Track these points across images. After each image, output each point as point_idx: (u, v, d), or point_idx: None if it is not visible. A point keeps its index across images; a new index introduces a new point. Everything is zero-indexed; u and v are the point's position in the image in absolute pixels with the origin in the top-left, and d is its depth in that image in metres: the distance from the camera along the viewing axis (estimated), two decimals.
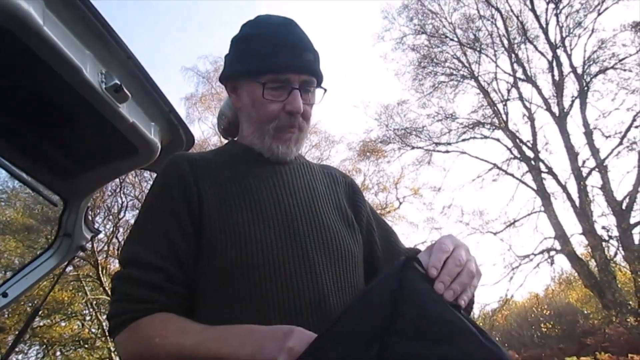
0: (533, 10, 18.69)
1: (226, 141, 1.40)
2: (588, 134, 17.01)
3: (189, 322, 1.04)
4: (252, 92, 1.22)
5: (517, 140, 18.93)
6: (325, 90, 1.30)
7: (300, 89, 1.20)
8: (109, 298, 18.13)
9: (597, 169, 16.63)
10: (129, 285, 1.09)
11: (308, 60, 1.21)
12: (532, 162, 18.34)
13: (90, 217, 2.04)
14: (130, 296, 1.08)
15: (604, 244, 16.29)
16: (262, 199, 1.17)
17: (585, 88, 17.47)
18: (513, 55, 19.30)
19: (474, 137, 20.29)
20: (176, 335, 1.00)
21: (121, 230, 19.45)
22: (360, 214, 1.34)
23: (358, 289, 1.19)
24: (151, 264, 1.10)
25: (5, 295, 1.87)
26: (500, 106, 19.50)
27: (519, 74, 19.36)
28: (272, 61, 1.18)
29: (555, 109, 17.95)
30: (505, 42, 19.44)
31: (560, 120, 17.68)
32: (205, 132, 21.58)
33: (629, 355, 12.63)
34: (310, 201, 1.23)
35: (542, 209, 17.95)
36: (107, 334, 18.42)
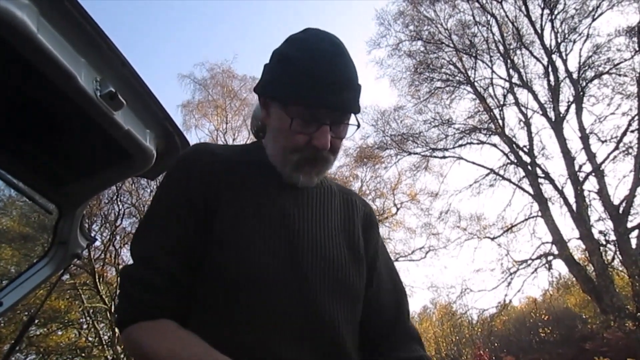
0: (528, 16, 18.78)
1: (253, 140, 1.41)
2: (584, 138, 17.06)
3: (183, 338, 1.05)
4: (280, 119, 1.17)
5: (514, 145, 18.97)
6: (359, 125, 1.23)
7: (331, 124, 1.15)
8: (105, 306, 18.09)
9: (593, 174, 16.67)
10: (132, 285, 1.10)
11: (346, 99, 1.13)
12: (529, 167, 18.38)
13: (86, 225, 2.03)
14: (132, 297, 1.09)
15: (601, 248, 16.29)
16: (272, 222, 1.15)
17: (581, 93, 17.54)
18: (509, 61, 19.38)
19: (471, 143, 20.34)
20: (168, 351, 1.01)
21: (118, 238, 19.40)
22: (367, 246, 1.32)
23: (355, 320, 1.20)
24: (158, 264, 1.10)
25: (0, 303, 1.86)
26: (496, 111, 19.57)
27: (515, 79, 19.44)
28: (306, 94, 1.11)
29: (552, 114, 18.01)
30: (501, 47, 19.52)
31: (557, 125, 17.73)
32: (202, 139, 21.58)
33: (627, 359, 12.61)
34: (321, 230, 1.21)
35: (539, 214, 17.98)
36: (103, 342, 18.35)
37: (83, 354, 19.67)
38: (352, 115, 1.19)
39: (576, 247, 17.81)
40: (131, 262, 1.15)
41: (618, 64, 17.21)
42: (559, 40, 18.37)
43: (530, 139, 18.66)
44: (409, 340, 1.28)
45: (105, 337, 18.78)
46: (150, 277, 1.08)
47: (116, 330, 18.11)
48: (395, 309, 1.32)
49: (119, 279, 1.22)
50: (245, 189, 1.18)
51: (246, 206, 1.15)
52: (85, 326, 20.27)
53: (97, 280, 17.46)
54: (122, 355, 18.21)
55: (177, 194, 1.17)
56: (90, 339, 19.80)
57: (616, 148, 16.60)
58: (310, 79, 1.11)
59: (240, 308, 1.07)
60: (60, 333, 19.26)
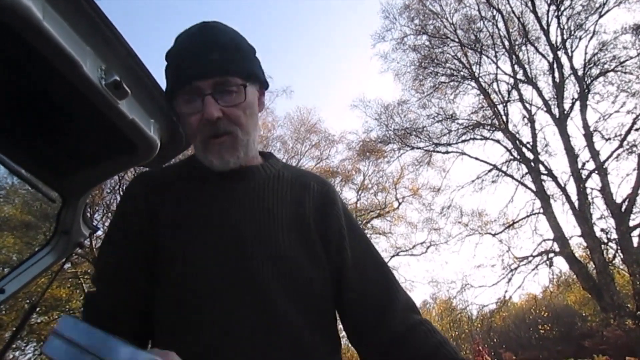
0: (534, 11, 18.71)
1: None
2: (588, 136, 17.03)
3: None
4: (178, 110, 1.19)
5: (517, 141, 18.95)
6: (245, 85, 1.16)
7: (215, 93, 1.11)
8: None
9: (596, 172, 16.65)
10: (86, 306, 1.21)
11: (213, 60, 1.11)
12: (532, 164, 18.36)
13: (88, 214, 2.03)
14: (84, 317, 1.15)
15: (602, 246, 16.31)
16: (210, 221, 1.14)
17: (586, 90, 17.50)
18: (514, 57, 19.33)
19: (474, 138, 20.34)
20: None
21: None
22: (327, 228, 1.21)
23: (316, 312, 1.13)
24: (103, 291, 1.19)
25: (2, 291, 1.86)
26: (500, 107, 19.55)
27: (520, 75, 19.41)
28: (179, 73, 1.14)
29: (556, 111, 17.97)
30: (506, 43, 19.47)
31: (561, 122, 17.69)
32: None
33: (627, 357, 12.64)
34: (264, 221, 1.14)
35: (542, 210, 17.98)
36: None
37: None
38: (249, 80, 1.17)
39: (577, 245, 17.84)
40: None
41: (624, 61, 17.18)
42: (565, 37, 18.32)
43: (534, 136, 18.65)
44: (406, 312, 1.19)
45: None
46: (99, 301, 1.18)
47: None
48: (383, 288, 1.22)
49: None
50: (183, 200, 1.18)
51: (184, 217, 1.16)
52: None
53: None
54: None
55: (114, 227, 1.28)
56: None
57: (620, 146, 16.59)
58: (175, 60, 1.17)
59: (190, 321, 1.07)
60: None
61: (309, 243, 1.17)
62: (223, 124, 1.13)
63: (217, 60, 1.11)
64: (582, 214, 16.54)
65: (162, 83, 1.60)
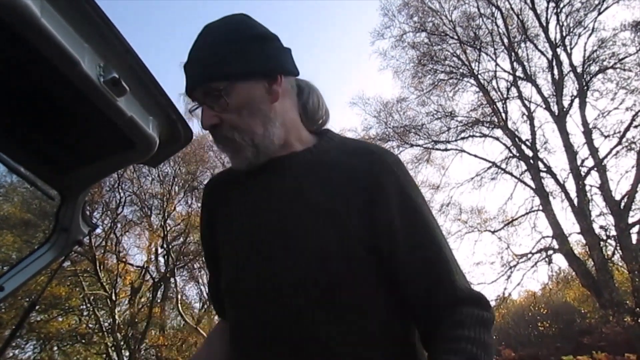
0: (533, 8, 18.70)
1: None
2: (587, 133, 17.03)
3: (202, 345, 1.31)
4: None
5: (516, 139, 18.95)
6: (267, 73, 1.12)
7: (208, 100, 1.10)
8: (106, 294, 18.17)
9: (595, 169, 16.66)
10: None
11: (195, 69, 1.11)
12: (531, 161, 18.36)
13: (87, 212, 2.03)
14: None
15: (601, 243, 16.32)
16: (246, 223, 1.14)
17: (585, 87, 17.49)
18: (513, 54, 19.31)
19: (473, 136, 20.32)
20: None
21: (119, 225, 19.48)
22: (375, 220, 1.06)
23: (354, 312, 1.03)
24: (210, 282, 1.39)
25: (1, 289, 1.86)
26: (499, 105, 19.54)
27: (519, 72, 19.40)
28: (185, 83, 1.16)
29: (555, 108, 17.97)
30: (505, 40, 19.45)
31: (560, 119, 17.69)
32: None
33: (626, 354, 12.65)
34: (292, 217, 1.08)
35: (541, 207, 17.99)
36: (103, 329, 18.45)
37: (83, 341, 19.82)
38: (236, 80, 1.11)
39: (577, 242, 17.86)
40: None
41: (623, 58, 17.17)
42: (564, 34, 18.30)
43: (533, 133, 18.64)
44: (448, 326, 1.01)
45: (106, 324, 18.91)
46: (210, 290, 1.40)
47: (116, 317, 18.23)
48: (425, 287, 1.06)
49: None
50: (232, 202, 1.20)
51: (233, 218, 1.18)
52: (85, 313, 20.40)
53: (97, 267, 17.54)
54: (122, 342, 18.33)
55: (201, 231, 1.38)
56: (90, 325, 19.93)
57: (619, 143, 16.59)
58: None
59: (232, 326, 1.15)
60: (60, 319, 19.38)
61: (348, 243, 1.04)
62: (222, 130, 1.11)
63: (198, 69, 1.10)
64: (581, 211, 16.55)
65: (161, 80, 1.60)
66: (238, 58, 1.10)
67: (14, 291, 1.92)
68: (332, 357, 1.00)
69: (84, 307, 20.09)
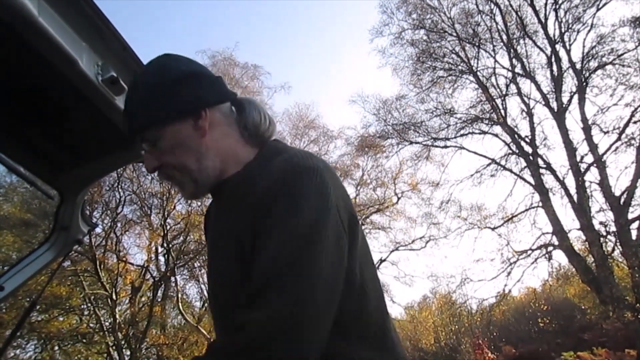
0: (532, 5, 18.66)
1: None
2: (586, 129, 17.01)
3: None
4: None
5: (516, 135, 18.93)
6: (191, 111, 1.18)
7: (148, 146, 1.19)
8: (106, 293, 18.12)
9: (595, 165, 16.63)
10: None
11: (126, 126, 1.19)
12: (531, 158, 18.35)
13: (87, 211, 2.03)
14: None
15: (601, 239, 16.31)
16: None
17: (584, 83, 17.46)
18: (512, 51, 19.28)
19: (473, 133, 20.30)
20: None
21: (119, 225, 19.46)
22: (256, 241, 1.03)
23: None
24: None
25: (1, 289, 1.86)
26: (498, 101, 19.50)
27: (518, 69, 19.35)
28: None
29: (554, 105, 17.95)
30: (504, 37, 19.41)
31: (559, 115, 17.68)
32: None
33: (626, 350, 12.68)
34: (215, 246, 1.23)
35: (540, 204, 17.97)
36: (104, 329, 18.46)
37: (84, 340, 19.82)
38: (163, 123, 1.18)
39: (576, 238, 17.85)
40: None
41: (622, 54, 17.13)
42: (563, 30, 18.27)
43: (532, 129, 18.62)
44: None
45: (107, 324, 18.90)
46: None
47: (117, 316, 18.24)
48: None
49: None
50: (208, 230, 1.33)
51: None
52: (86, 312, 20.40)
53: (98, 267, 17.53)
54: (122, 342, 18.33)
55: None
56: (91, 325, 19.93)
57: (618, 139, 16.56)
58: None
59: None
60: (61, 319, 19.39)
61: (243, 261, 1.05)
62: (164, 172, 1.21)
63: (129, 121, 1.18)
64: (581, 207, 16.54)
65: None
66: (161, 104, 1.16)
67: (14, 291, 1.93)
68: None
69: (85, 306, 20.10)
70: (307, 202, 1.00)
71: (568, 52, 18.14)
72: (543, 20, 18.58)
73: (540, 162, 18.15)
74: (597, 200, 16.69)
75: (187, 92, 1.19)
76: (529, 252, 18.10)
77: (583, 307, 21.23)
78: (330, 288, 0.96)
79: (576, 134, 17.88)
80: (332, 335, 0.97)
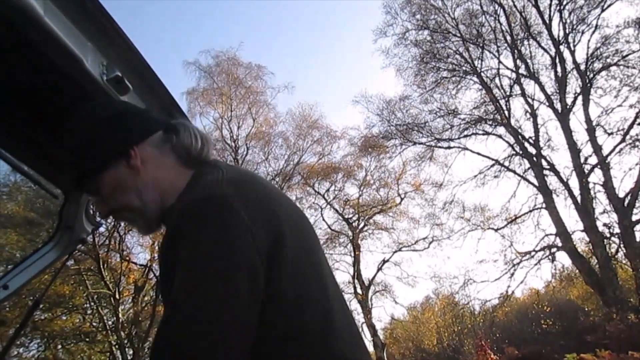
0: (536, 6, 18.64)
1: None
2: (590, 130, 16.97)
3: None
4: None
5: (519, 136, 18.91)
6: (121, 153, 1.22)
7: (92, 197, 1.27)
8: (110, 292, 18.18)
9: (599, 166, 16.61)
10: None
11: (70, 185, 1.28)
12: (534, 159, 18.33)
13: (91, 211, 2.04)
14: None
15: (605, 241, 16.29)
16: None
17: (588, 85, 17.43)
18: (516, 51, 19.27)
19: (476, 133, 20.31)
20: None
21: (122, 224, 19.49)
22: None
23: None
24: None
25: (6, 287, 1.87)
26: (502, 102, 19.50)
27: (522, 70, 19.35)
28: None
29: (558, 106, 17.92)
30: (508, 38, 19.41)
31: (563, 116, 17.65)
32: (206, 126, 21.61)
33: (630, 352, 12.62)
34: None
35: (544, 205, 17.96)
36: (107, 328, 18.51)
37: (87, 339, 19.88)
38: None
39: (580, 240, 17.83)
40: None
41: (626, 55, 17.11)
42: (567, 31, 18.25)
43: (536, 131, 18.60)
44: None
45: (109, 323, 18.95)
46: None
47: (120, 315, 18.28)
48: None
49: None
50: None
51: None
52: (89, 311, 20.46)
53: (101, 266, 17.57)
54: (125, 341, 18.38)
55: None
56: (94, 324, 19.99)
57: (622, 140, 16.53)
58: None
59: None
60: (64, 318, 19.45)
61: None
62: (117, 215, 1.27)
63: (69, 175, 1.24)
64: (585, 209, 16.51)
65: (163, 78, 1.61)
66: (90, 155, 1.21)
67: (18, 289, 1.93)
68: None
69: (88, 305, 20.15)
70: (205, 236, 1.01)
71: (572, 53, 18.13)
72: (547, 21, 18.57)
73: (544, 163, 18.15)
74: (601, 202, 16.70)
75: (113, 135, 1.22)
76: (533, 253, 18.10)
77: (586, 309, 21.17)
78: (222, 331, 0.94)
79: (580, 135, 17.87)
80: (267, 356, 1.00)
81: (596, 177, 16.87)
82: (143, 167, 1.22)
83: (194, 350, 0.90)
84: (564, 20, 18.37)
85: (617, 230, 16.08)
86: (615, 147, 16.64)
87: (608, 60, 17.53)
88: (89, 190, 1.23)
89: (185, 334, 0.91)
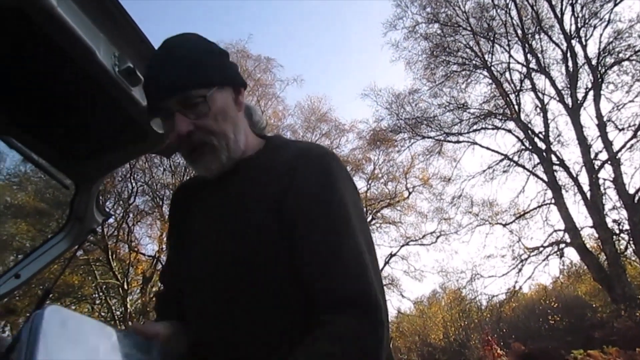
0: None
1: None
2: (601, 126, 16.84)
3: None
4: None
5: (529, 131, 18.80)
6: (235, 84, 1.21)
7: (183, 108, 1.13)
8: (118, 282, 18.29)
9: (609, 162, 16.49)
10: None
11: (171, 78, 1.11)
12: (544, 154, 18.22)
13: (101, 202, 2.05)
14: None
15: (614, 237, 16.20)
16: (203, 222, 1.24)
17: (600, 79, 17.28)
18: (527, 46, 19.12)
19: (485, 128, 20.21)
20: None
21: (131, 215, 19.62)
22: (285, 211, 1.11)
23: (268, 312, 1.08)
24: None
25: (17, 276, 1.89)
26: (512, 97, 19.38)
27: (533, 64, 19.21)
28: (147, 96, 1.17)
29: (569, 101, 17.79)
30: (519, 31, 19.24)
31: (574, 111, 17.52)
32: None
33: (637, 349, 12.57)
34: (236, 221, 1.15)
35: (553, 201, 17.87)
36: (115, 318, 18.66)
37: None
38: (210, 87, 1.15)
39: (589, 236, 17.73)
40: None
41: (639, 50, 16.90)
42: (579, 25, 18.07)
43: (546, 126, 18.48)
44: (316, 336, 0.99)
45: (118, 313, 19.11)
46: None
47: (128, 306, 18.43)
48: (314, 279, 1.06)
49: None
50: (191, 210, 1.30)
51: (186, 226, 1.28)
52: (98, 301, 20.63)
53: (110, 256, 17.70)
54: None
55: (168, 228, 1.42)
56: (102, 314, 20.14)
57: (634, 136, 16.40)
58: (144, 83, 1.19)
59: (185, 312, 1.22)
60: (73, 308, 19.59)
61: (271, 237, 1.10)
62: (197, 136, 1.15)
63: (175, 78, 1.12)
64: (594, 205, 16.41)
65: None
66: (216, 68, 1.18)
67: (29, 278, 1.96)
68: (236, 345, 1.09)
69: (97, 295, 20.33)
70: (343, 184, 1.16)
71: (584, 47, 17.96)
72: (559, 15, 18.40)
73: (554, 158, 18.04)
74: (611, 198, 16.59)
75: (230, 67, 1.24)
76: (541, 249, 18.04)
77: (594, 305, 21.08)
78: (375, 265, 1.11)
79: (591, 131, 17.70)
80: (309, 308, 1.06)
81: (606, 173, 16.78)
82: (241, 110, 1.24)
83: (365, 263, 1.06)
84: (575, 14, 18.20)
85: (626, 226, 16.00)
86: (626, 143, 16.53)
87: (620, 55, 17.37)
88: (186, 100, 1.12)
89: (359, 259, 1.06)
